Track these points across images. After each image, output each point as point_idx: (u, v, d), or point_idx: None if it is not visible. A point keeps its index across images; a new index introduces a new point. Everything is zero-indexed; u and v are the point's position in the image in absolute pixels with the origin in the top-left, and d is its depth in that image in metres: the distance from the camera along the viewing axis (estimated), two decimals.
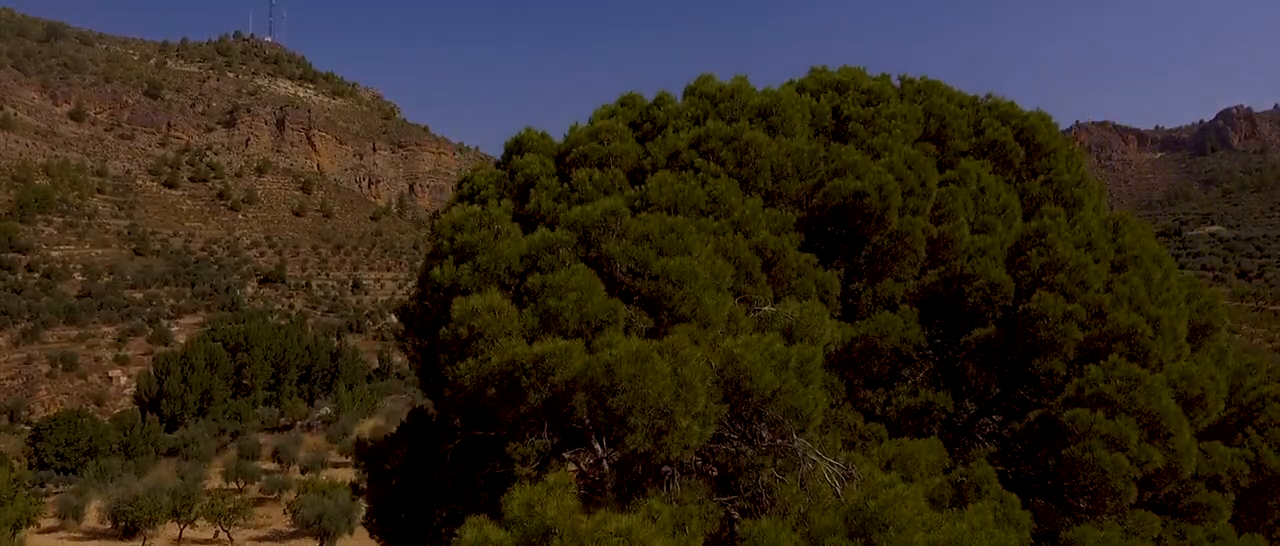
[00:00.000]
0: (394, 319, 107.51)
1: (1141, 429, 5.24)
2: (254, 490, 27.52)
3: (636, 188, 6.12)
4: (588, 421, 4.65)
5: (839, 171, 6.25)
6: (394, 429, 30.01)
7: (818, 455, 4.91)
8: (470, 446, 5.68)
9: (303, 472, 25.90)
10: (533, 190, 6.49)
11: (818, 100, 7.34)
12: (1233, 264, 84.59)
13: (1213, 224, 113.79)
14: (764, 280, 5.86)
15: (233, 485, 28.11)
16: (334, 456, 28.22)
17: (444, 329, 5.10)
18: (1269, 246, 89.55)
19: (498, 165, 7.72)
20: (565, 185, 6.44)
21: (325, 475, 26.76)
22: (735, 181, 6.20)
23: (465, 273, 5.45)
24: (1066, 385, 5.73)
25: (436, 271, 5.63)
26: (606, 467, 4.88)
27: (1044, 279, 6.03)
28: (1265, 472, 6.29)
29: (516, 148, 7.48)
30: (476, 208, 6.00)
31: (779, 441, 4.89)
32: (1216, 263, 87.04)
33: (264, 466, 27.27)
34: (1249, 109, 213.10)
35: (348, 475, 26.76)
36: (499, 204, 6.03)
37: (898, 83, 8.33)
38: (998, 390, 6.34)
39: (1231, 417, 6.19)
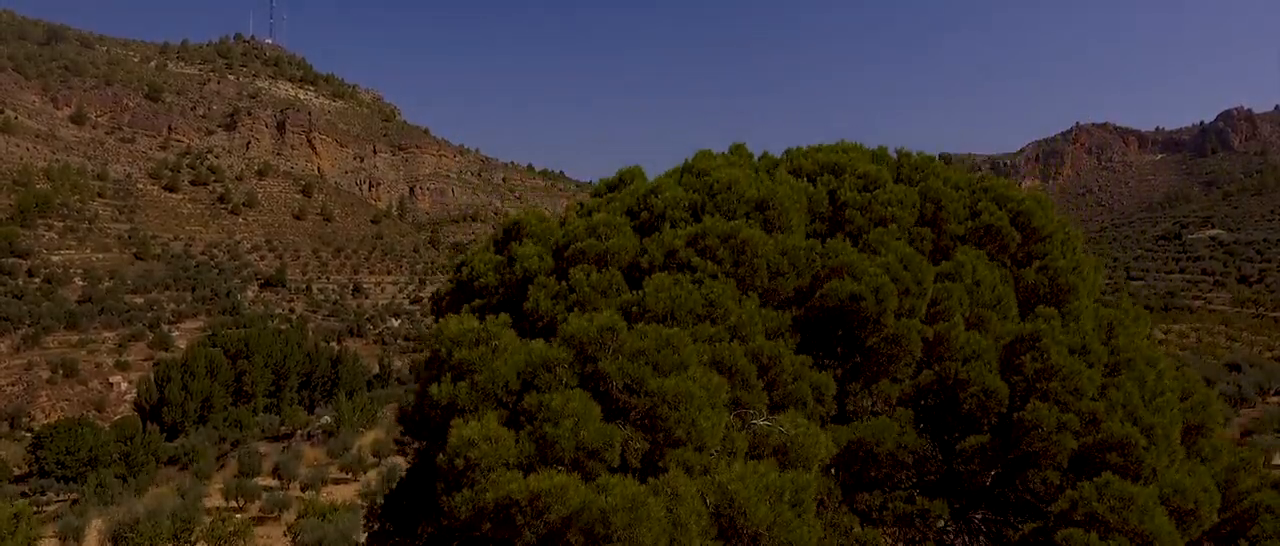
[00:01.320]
0: (394, 323, 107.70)
1: None
2: (254, 508, 27.56)
3: (635, 292, 6.17)
4: None
5: (836, 271, 6.29)
6: (394, 444, 29.83)
7: None
8: None
9: (303, 490, 25.96)
10: (531, 287, 6.53)
11: (814, 184, 7.38)
12: (1233, 268, 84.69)
13: (1213, 227, 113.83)
14: (760, 387, 5.89)
15: (233, 503, 28.15)
16: (334, 472, 28.26)
17: (441, 455, 5.14)
18: (1269, 251, 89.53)
19: (496, 245, 7.75)
20: (563, 284, 6.48)
21: (326, 492, 26.80)
22: (732, 281, 6.24)
23: (463, 391, 5.49)
24: (1060, 497, 5.77)
25: (434, 388, 5.67)
26: None
27: (1038, 385, 6.08)
28: None
29: (515, 231, 7.51)
30: (474, 322, 6.03)
31: None
32: (1216, 267, 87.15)
33: (264, 482, 27.32)
34: (1249, 110, 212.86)
35: (348, 492, 26.85)
36: (497, 317, 6.06)
37: (895, 155, 8.34)
38: (994, 496, 6.38)
39: (1225, 525, 6.23)
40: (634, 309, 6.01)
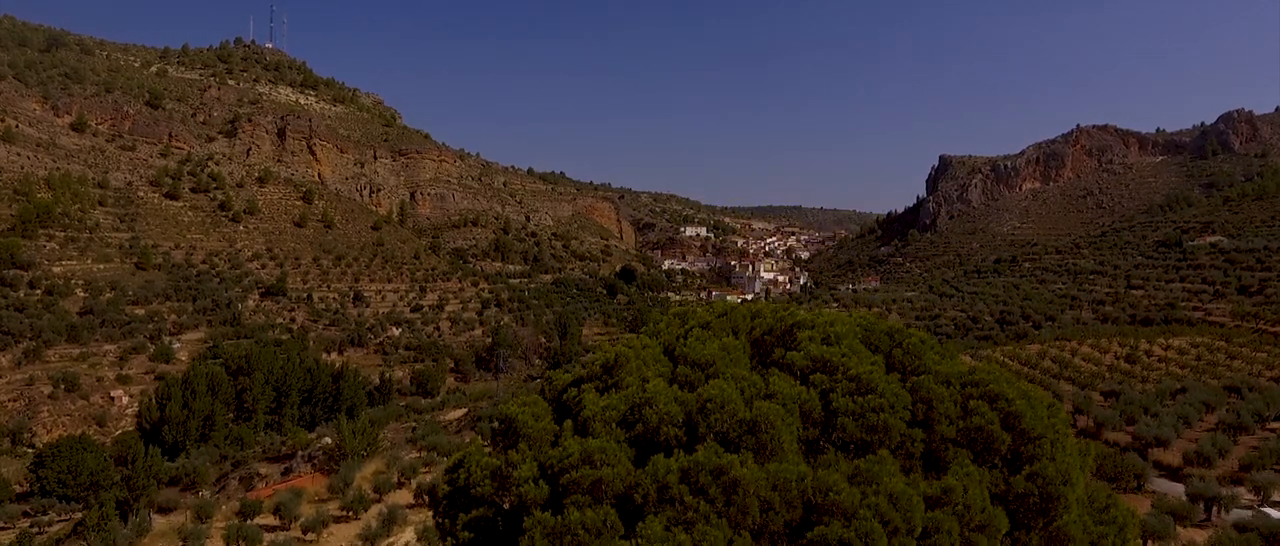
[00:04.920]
0: (395, 332, 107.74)
1: None
2: None
3: (628, 541, 6.24)
4: None
5: (827, 510, 6.36)
6: (396, 477, 29.86)
7: None
8: None
9: (304, 533, 26.03)
10: (527, 520, 6.58)
11: (808, 384, 7.40)
12: (1234, 278, 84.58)
13: (1214, 233, 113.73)
14: None
15: None
16: (334, 509, 28.31)
17: None
18: (1270, 259, 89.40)
19: (494, 435, 7.78)
20: (558, 519, 6.52)
21: (326, 533, 26.84)
22: (724, 522, 6.32)
23: None
24: None
25: None
26: None
27: None
28: None
29: (510, 432, 7.49)
30: None
31: None
32: (1217, 276, 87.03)
33: (265, 521, 27.37)
34: (1250, 112, 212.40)
35: (349, 533, 26.91)
36: None
37: (888, 336, 8.25)
38: None
39: None
40: None
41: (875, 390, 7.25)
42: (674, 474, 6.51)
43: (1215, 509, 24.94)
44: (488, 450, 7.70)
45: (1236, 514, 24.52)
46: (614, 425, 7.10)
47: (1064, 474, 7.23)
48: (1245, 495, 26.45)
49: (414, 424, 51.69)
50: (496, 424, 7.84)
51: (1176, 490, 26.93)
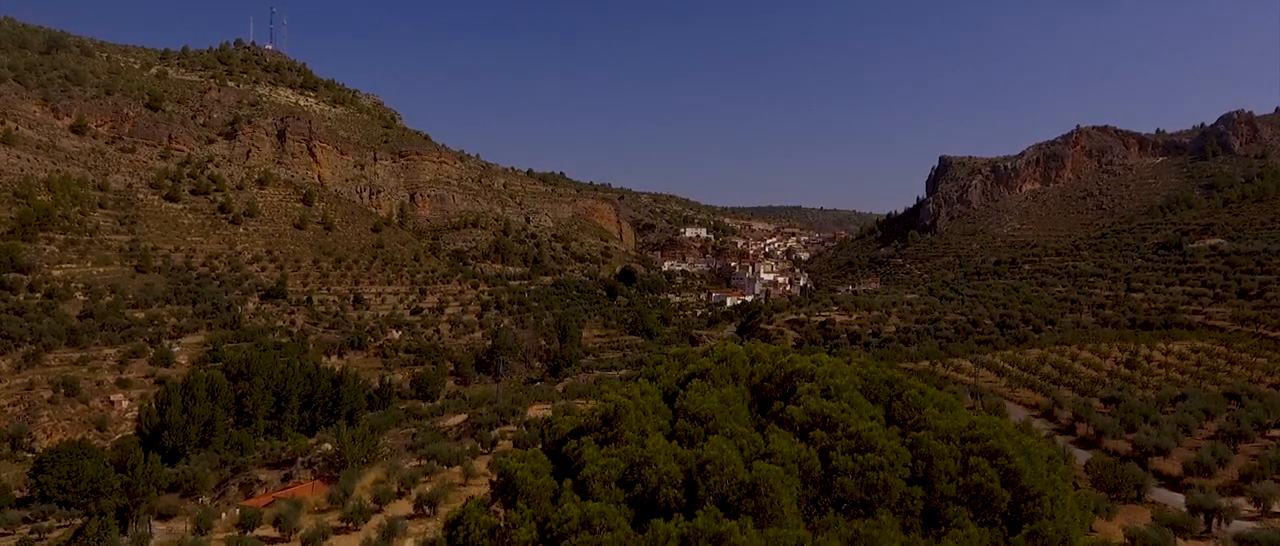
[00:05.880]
0: (395, 335, 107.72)
1: None
2: None
3: None
4: None
5: None
6: (396, 487, 29.84)
7: None
8: None
9: (304, 545, 26.01)
10: None
11: (807, 441, 7.36)
12: (1233, 281, 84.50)
13: (1214, 235, 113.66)
14: None
15: None
16: (333, 520, 28.29)
17: None
18: (1270, 262, 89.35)
19: (494, 488, 7.75)
20: None
21: (326, 545, 26.81)
22: None
23: None
24: None
25: None
26: None
27: None
28: None
29: (510, 488, 7.36)
30: None
31: None
32: (1217, 279, 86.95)
33: (264, 534, 27.37)
34: (1250, 113, 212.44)
35: (349, 544, 26.91)
36: None
37: (887, 386, 8.21)
38: None
39: None
40: None
41: (875, 448, 7.21)
42: (673, 541, 6.48)
43: (1215, 520, 24.91)
44: (487, 503, 7.67)
45: (1237, 525, 24.49)
46: (613, 485, 7.06)
47: (1064, 533, 7.19)
48: (1245, 506, 26.42)
49: (414, 430, 51.65)
50: (497, 477, 7.80)
51: (1177, 500, 26.90)
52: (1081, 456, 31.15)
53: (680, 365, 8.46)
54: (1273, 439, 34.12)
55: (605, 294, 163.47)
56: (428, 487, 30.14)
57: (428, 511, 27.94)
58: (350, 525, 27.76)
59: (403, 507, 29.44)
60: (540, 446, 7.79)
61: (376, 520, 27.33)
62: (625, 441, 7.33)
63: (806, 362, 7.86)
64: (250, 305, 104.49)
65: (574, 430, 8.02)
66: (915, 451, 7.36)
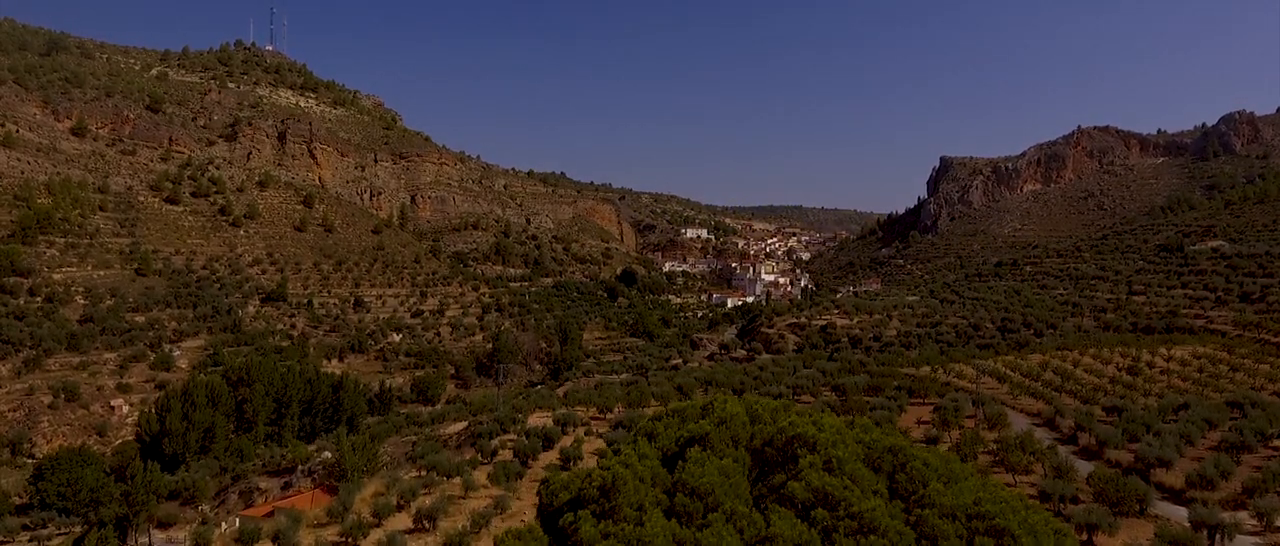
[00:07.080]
0: (395, 338, 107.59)
1: None
2: None
3: None
4: None
5: None
6: (395, 500, 29.75)
7: None
8: None
9: None
10: None
11: (809, 521, 7.21)
12: (1235, 284, 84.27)
13: (1215, 237, 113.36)
14: None
15: None
16: (332, 535, 28.17)
17: None
18: (1272, 265, 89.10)
19: None
20: None
21: None
22: None
23: None
24: None
25: None
26: None
27: None
28: None
29: None
30: None
31: None
32: (1218, 283, 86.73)
33: None
34: (1251, 113, 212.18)
35: None
36: None
37: (891, 454, 8.06)
38: None
39: None
40: None
41: (878, 529, 7.09)
42: None
43: (1219, 537, 24.72)
44: None
45: (1240, 542, 24.32)
46: None
47: None
48: (1248, 521, 26.23)
49: (414, 437, 51.52)
50: None
51: (1179, 514, 26.70)
52: (1084, 468, 30.96)
53: (679, 422, 8.32)
54: (1276, 450, 33.92)
55: (606, 295, 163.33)
56: (427, 501, 29.98)
57: (427, 526, 27.78)
58: (349, 541, 27.61)
59: (402, 521, 29.30)
60: (537, 518, 7.65)
61: (376, 536, 27.20)
62: (623, 518, 7.21)
63: (808, 428, 7.72)
64: (251, 308, 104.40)
65: (571, 500, 7.88)
66: (919, 530, 7.25)
